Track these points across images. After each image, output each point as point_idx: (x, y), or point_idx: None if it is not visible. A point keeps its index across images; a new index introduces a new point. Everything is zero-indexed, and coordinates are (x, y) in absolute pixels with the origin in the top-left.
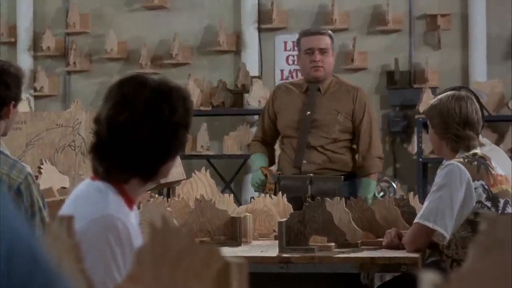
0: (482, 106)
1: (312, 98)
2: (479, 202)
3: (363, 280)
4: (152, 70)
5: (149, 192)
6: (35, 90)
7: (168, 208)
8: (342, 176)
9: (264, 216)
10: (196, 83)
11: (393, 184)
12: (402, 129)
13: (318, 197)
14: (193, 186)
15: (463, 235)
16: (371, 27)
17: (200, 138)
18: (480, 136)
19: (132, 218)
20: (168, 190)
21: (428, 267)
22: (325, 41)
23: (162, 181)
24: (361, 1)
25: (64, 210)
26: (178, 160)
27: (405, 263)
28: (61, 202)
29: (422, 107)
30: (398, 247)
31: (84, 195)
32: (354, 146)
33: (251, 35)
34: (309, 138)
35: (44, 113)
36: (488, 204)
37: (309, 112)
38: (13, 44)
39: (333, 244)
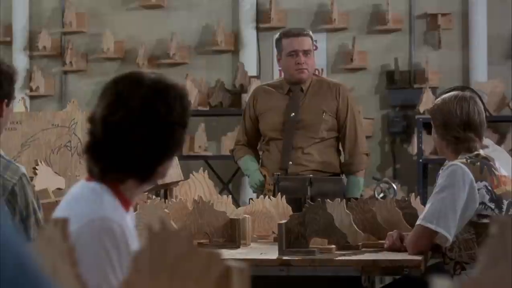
0: (484, 107)
1: (295, 99)
2: (482, 203)
3: (364, 283)
4: (149, 70)
5: (146, 193)
6: (30, 90)
7: (166, 210)
8: (343, 177)
9: (263, 217)
10: (193, 83)
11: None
12: (402, 130)
13: (319, 199)
14: (191, 187)
15: (466, 237)
16: (371, 27)
17: (198, 138)
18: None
19: (128, 220)
20: (166, 191)
21: (431, 270)
22: (308, 42)
23: (160, 182)
24: (360, 0)
25: (58, 212)
26: (175, 161)
27: (408, 266)
28: (57, 203)
29: (422, 107)
30: (400, 249)
31: (79, 197)
32: (340, 148)
33: (249, 34)
34: (295, 140)
35: (40, 113)
36: (492, 205)
37: (293, 114)
38: (8, 44)
39: (334, 246)
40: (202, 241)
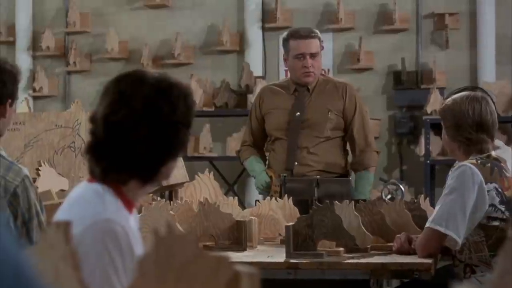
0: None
1: (301, 99)
2: (492, 205)
3: (373, 286)
4: (154, 70)
5: (151, 194)
6: (34, 90)
7: (171, 212)
8: (350, 179)
9: (269, 219)
10: (198, 84)
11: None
12: (409, 131)
13: (327, 200)
14: (196, 188)
15: (476, 239)
16: (378, 26)
17: (203, 139)
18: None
19: (131, 222)
20: (170, 192)
21: (440, 273)
22: (316, 45)
23: (164, 183)
24: (367, 0)
25: (60, 214)
26: (180, 162)
27: (418, 269)
28: (60, 205)
29: (429, 108)
30: (409, 252)
31: (81, 198)
32: (348, 148)
33: (255, 34)
34: (300, 139)
35: (43, 113)
36: (502, 207)
37: (298, 113)
38: (12, 44)
39: (342, 249)
40: (208, 243)
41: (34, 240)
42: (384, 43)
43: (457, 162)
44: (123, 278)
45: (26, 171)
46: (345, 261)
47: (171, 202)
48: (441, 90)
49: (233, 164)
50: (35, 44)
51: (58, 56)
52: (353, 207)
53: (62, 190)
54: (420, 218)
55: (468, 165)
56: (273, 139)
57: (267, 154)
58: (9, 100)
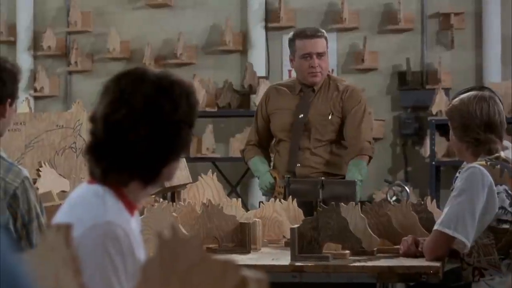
0: None
1: (305, 100)
2: (502, 208)
3: None
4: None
5: (153, 196)
6: (35, 90)
7: (174, 214)
8: (356, 180)
9: (274, 221)
10: (201, 84)
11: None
12: (414, 132)
13: (333, 202)
14: (199, 190)
15: (486, 242)
16: (382, 26)
17: (206, 140)
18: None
19: (133, 224)
20: (173, 194)
21: (447, 276)
22: (322, 44)
23: (167, 184)
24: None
25: (60, 216)
26: (183, 163)
27: (426, 273)
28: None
29: (434, 109)
30: (415, 254)
31: (81, 200)
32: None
33: (258, 34)
34: (302, 141)
35: (44, 114)
36: None
37: (302, 115)
38: (12, 43)
39: (348, 252)
40: (211, 246)
41: (34, 242)
42: (388, 43)
43: (465, 163)
44: (123, 281)
45: (26, 172)
46: (351, 264)
47: (174, 203)
48: (447, 90)
49: (236, 165)
50: (36, 44)
51: (59, 56)
52: (360, 209)
53: (63, 191)
54: (427, 220)
55: (478, 166)
56: (277, 140)
57: (272, 155)
58: (9, 100)
